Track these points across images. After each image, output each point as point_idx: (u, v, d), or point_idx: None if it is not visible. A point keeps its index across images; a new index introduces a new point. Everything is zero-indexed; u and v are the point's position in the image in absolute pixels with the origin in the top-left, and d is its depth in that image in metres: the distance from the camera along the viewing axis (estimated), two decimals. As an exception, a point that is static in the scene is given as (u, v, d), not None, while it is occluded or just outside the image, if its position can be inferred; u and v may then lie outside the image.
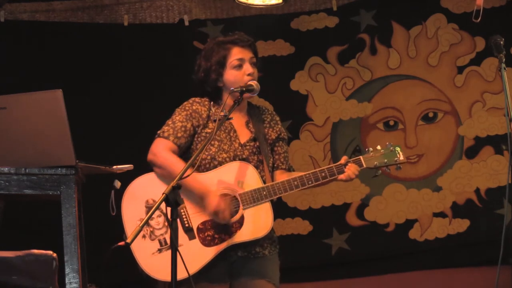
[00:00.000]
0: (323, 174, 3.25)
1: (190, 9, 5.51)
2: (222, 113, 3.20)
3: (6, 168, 2.87)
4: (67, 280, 2.84)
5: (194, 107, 3.35)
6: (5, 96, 2.84)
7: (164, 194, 2.68)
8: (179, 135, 3.29)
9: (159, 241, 3.20)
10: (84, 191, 3.09)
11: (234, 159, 3.29)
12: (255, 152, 3.35)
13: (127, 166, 3.19)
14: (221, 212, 3.16)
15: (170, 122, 3.32)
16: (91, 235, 3.24)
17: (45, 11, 5.40)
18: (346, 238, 5.27)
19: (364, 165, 3.29)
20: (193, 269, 3.12)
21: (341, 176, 3.26)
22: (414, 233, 5.24)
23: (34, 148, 2.85)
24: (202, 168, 3.29)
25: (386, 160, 3.30)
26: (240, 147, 3.34)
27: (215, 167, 3.28)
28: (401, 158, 3.31)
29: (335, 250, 5.28)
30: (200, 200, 3.20)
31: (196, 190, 3.20)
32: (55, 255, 2.82)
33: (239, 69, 3.33)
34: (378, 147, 3.32)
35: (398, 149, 3.32)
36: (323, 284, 5.29)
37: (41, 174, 2.88)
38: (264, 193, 3.22)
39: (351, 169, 3.25)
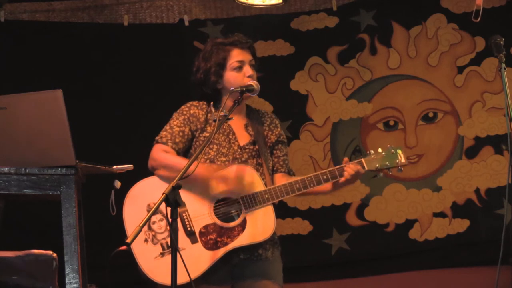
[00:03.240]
0: (325, 177, 3.24)
1: (190, 9, 5.51)
2: (222, 113, 3.15)
3: (6, 168, 2.87)
4: (67, 280, 2.83)
5: (191, 111, 3.34)
6: (5, 96, 2.84)
7: (164, 194, 2.67)
8: (177, 140, 3.28)
9: (161, 245, 3.18)
10: (84, 191, 3.09)
11: (233, 162, 3.28)
12: (255, 155, 3.34)
13: (127, 166, 3.19)
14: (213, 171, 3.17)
15: (167, 127, 3.32)
16: (91, 235, 3.24)
17: (45, 11, 5.40)
18: (346, 238, 5.27)
19: (366, 167, 3.27)
20: (196, 273, 3.11)
21: (342, 179, 3.24)
22: (414, 233, 5.23)
23: (34, 148, 2.85)
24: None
25: (387, 162, 3.29)
26: (239, 150, 3.32)
27: (214, 170, 3.27)
28: (403, 160, 3.30)
29: (335, 250, 5.28)
30: (204, 189, 3.19)
31: (198, 181, 3.17)
32: (55, 255, 2.82)
33: (239, 71, 3.32)
34: (379, 150, 3.31)
35: (399, 151, 3.31)
36: (323, 284, 5.29)
37: (41, 174, 2.87)
38: (266, 196, 3.21)
39: (349, 168, 3.23)
